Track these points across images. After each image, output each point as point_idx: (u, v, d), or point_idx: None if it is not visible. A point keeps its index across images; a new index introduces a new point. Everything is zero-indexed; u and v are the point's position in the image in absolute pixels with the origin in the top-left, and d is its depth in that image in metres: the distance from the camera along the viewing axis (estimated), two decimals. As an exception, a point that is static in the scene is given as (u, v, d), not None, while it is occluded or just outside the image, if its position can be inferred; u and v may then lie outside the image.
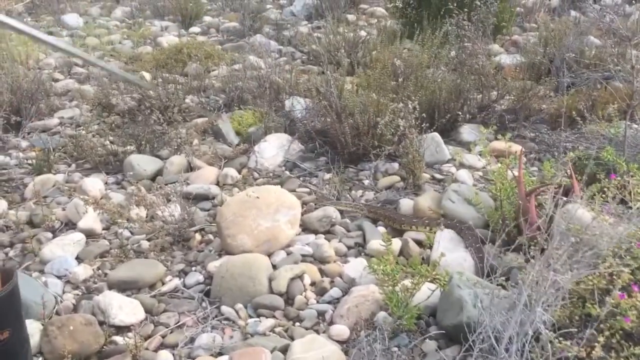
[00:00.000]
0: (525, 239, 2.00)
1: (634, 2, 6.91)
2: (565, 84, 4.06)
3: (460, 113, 3.25)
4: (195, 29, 6.71)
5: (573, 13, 6.44)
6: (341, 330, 1.95)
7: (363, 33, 5.41)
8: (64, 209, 2.85)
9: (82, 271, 2.33)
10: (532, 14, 6.33)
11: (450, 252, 2.18)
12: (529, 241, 1.99)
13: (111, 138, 3.63)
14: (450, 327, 1.82)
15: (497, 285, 1.74)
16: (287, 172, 3.20)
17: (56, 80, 4.81)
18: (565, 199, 2.17)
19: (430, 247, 2.34)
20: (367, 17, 7.11)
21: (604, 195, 1.96)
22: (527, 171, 2.53)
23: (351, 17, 6.89)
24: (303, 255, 2.38)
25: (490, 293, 1.72)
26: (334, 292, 2.17)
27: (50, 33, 6.32)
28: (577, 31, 4.61)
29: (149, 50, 5.68)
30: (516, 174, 2.33)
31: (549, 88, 3.83)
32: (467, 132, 3.42)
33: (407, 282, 1.89)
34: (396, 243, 2.36)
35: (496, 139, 3.20)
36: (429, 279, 1.85)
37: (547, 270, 1.61)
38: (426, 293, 1.91)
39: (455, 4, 4.38)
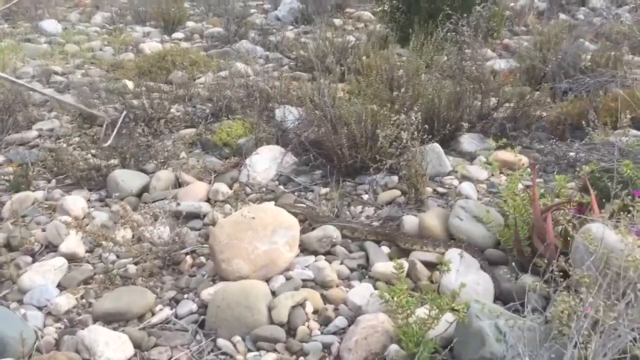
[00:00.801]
0: (542, 261, 1.88)
1: (621, 4, 6.88)
2: (562, 90, 3.96)
3: (462, 123, 3.10)
4: (178, 34, 6.53)
5: (562, 16, 6.38)
6: (350, 366, 1.79)
7: (352, 38, 5.27)
8: (43, 230, 2.67)
9: (65, 301, 2.15)
10: (522, 17, 6.25)
11: (462, 275, 2.05)
12: (546, 263, 1.86)
13: (93, 151, 3.45)
14: (471, 363, 1.68)
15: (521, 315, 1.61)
16: (282, 187, 3.04)
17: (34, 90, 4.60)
18: (582, 217, 2.04)
19: (438, 269, 2.20)
20: (354, 21, 7.00)
21: (628, 215, 1.83)
22: (540, 186, 2.39)
23: (338, 21, 6.77)
24: (304, 280, 2.22)
25: (514, 325, 1.58)
26: (339, 321, 2.01)
27: (28, 40, 6.11)
28: (571, 35, 4.52)
29: (131, 57, 5.49)
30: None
31: (547, 94, 3.72)
32: (468, 142, 3.29)
33: (422, 313, 1.74)
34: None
35: (498, 147, 3.07)
36: (447, 311, 1.71)
37: (579, 304, 1.47)
38: (443, 325, 1.76)
39: (449, 8, 4.28)
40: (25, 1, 7.27)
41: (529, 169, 2.66)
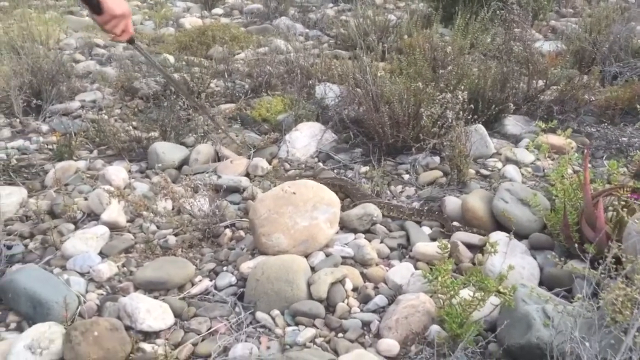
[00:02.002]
0: (592, 247, 1.82)
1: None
2: (612, 74, 3.83)
3: (509, 104, 3.02)
4: (218, 10, 6.51)
5: (612, -2, 6.15)
6: (390, 345, 1.77)
7: (393, 17, 5.17)
8: (86, 199, 2.70)
9: (107, 269, 2.17)
10: (569, -1, 6.06)
11: (507, 258, 1.99)
12: (596, 249, 1.80)
13: (134, 123, 3.47)
14: (516, 348, 1.63)
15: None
16: (321, 164, 3.02)
17: (77, 62, 4.65)
18: (637, 202, 1.97)
19: (482, 251, 2.16)
20: (395, 0, 6.87)
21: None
22: (592, 171, 2.31)
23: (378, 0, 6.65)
24: (343, 257, 2.20)
25: (563, 311, 1.53)
26: (379, 299, 1.99)
27: (71, 12, 6.17)
28: (623, 18, 4.36)
29: (172, 31, 5.50)
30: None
31: (596, 78, 3.60)
32: (512, 124, 3.21)
33: (466, 295, 1.70)
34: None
35: (543, 130, 2.98)
36: (492, 293, 1.66)
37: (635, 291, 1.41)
38: (487, 307, 1.72)
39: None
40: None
41: (577, 154, 2.58)
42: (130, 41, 2.17)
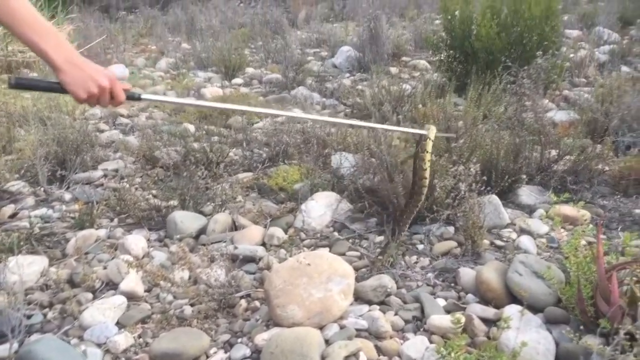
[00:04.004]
0: (607, 322, 1.81)
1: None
2: (625, 144, 3.87)
3: (521, 175, 3.06)
4: (238, 80, 6.74)
5: (624, 68, 6.27)
6: (405, 422, 1.75)
7: (408, 86, 5.31)
8: (105, 268, 2.75)
9: (123, 340, 2.19)
10: (582, 69, 6.17)
11: (522, 332, 1.99)
12: (610, 324, 1.79)
13: (154, 192, 3.56)
14: None
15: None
16: (336, 234, 3.05)
17: (101, 131, 4.82)
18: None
19: (497, 325, 2.15)
20: (410, 69, 7.06)
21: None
22: (604, 243, 2.32)
23: (394, 69, 6.84)
24: (357, 330, 2.20)
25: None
26: (393, 374, 1.98)
27: (97, 83, 6.40)
28: (635, 88, 4.43)
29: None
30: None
31: (609, 148, 3.64)
32: (526, 194, 3.24)
33: (480, 372, 1.70)
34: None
35: (558, 201, 3.00)
36: (507, 371, 1.66)
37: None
38: (501, 384, 1.71)
39: (508, 59, 4.28)
40: (96, 46, 7.66)
41: (591, 225, 2.59)
42: (131, 98, 1.84)
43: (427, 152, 2.35)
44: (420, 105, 4.77)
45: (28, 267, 2.67)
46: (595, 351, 1.55)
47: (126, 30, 9.37)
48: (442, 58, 5.77)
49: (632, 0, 8.67)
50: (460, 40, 5.46)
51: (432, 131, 2.34)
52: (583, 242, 2.30)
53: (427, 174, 2.43)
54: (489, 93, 3.92)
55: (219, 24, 9.79)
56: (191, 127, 4.68)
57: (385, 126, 2.64)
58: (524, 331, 2.02)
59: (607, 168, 3.47)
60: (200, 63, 7.38)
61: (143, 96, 1.86)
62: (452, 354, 1.69)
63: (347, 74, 6.89)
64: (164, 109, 5.45)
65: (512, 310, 2.15)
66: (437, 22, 8.51)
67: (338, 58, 7.34)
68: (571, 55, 6.45)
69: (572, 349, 2.00)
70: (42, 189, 3.70)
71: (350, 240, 2.98)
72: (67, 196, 3.62)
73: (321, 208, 3.19)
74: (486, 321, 2.22)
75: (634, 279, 1.91)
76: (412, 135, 2.38)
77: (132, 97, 1.82)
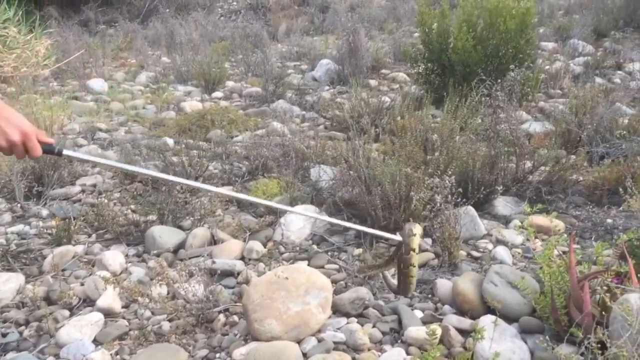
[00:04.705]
0: (579, 331, 1.84)
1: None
2: (599, 155, 3.94)
3: (497, 187, 3.10)
4: (218, 93, 6.74)
5: (598, 80, 6.38)
6: None
7: (387, 99, 5.36)
8: (82, 284, 2.73)
9: (100, 357, 2.18)
10: (557, 81, 6.27)
11: (497, 342, 2.01)
12: (584, 333, 1.83)
13: (133, 207, 3.55)
14: None
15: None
16: (315, 247, 3.06)
17: (80, 146, 4.79)
18: (619, 286, 2.01)
19: (472, 336, 2.17)
20: (389, 82, 7.12)
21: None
22: (577, 253, 2.36)
23: (373, 82, 6.90)
24: (335, 343, 2.21)
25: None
26: (371, 386, 1.99)
27: (75, 98, 6.39)
28: (608, 100, 4.52)
29: (172, 115, 5.68)
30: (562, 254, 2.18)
31: (583, 158, 3.71)
32: (502, 205, 3.28)
33: (455, 382, 1.71)
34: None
35: (533, 212, 3.05)
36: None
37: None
38: (476, 395, 1.73)
39: (483, 72, 4.34)
40: (75, 61, 7.62)
41: (565, 235, 2.64)
42: (49, 152, 1.63)
43: (413, 251, 2.11)
44: (398, 118, 4.82)
45: (4, 285, 2.65)
46: (565, 359, 1.57)
47: (105, 44, 9.32)
48: (420, 71, 5.83)
49: (605, 13, 8.84)
50: (437, 53, 5.52)
51: (417, 228, 2.14)
52: (556, 252, 2.34)
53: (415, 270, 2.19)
54: (466, 105, 3.97)
55: (199, 38, 9.78)
56: (170, 141, 4.67)
57: (365, 229, 2.35)
58: (499, 341, 2.05)
59: (581, 178, 3.54)
60: (180, 77, 7.37)
61: (64, 152, 1.66)
62: (428, 366, 1.71)
63: (327, 87, 6.93)
64: (143, 124, 5.44)
65: (487, 321, 2.17)
66: (416, 34, 8.60)
67: (318, 71, 7.38)
68: (547, 67, 6.55)
69: (546, 357, 2.04)
70: (18, 205, 3.67)
71: (329, 253, 2.99)
72: (44, 212, 3.59)
73: (300, 221, 3.20)
74: (463, 332, 2.24)
75: (604, 288, 1.94)
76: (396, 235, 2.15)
77: (50, 152, 1.62)
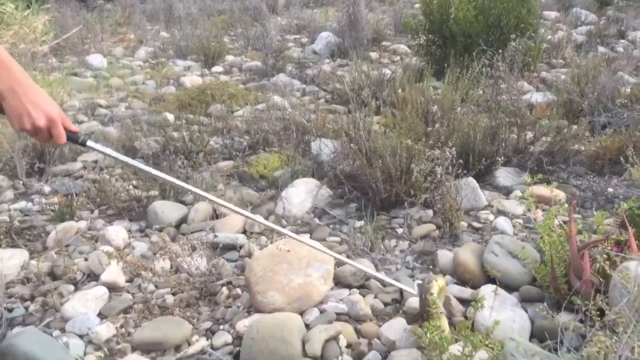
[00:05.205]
0: (579, 298, 1.86)
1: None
2: (601, 124, 3.92)
3: (498, 158, 3.10)
4: (217, 68, 6.70)
5: (601, 49, 6.33)
6: (383, 401, 1.79)
7: (387, 71, 5.33)
8: (86, 260, 2.75)
9: (105, 330, 2.20)
10: (559, 50, 6.22)
11: (497, 311, 2.03)
12: (583, 300, 1.84)
13: (134, 182, 3.56)
14: (505, 402, 1.66)
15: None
16: (317, 220, 3.07)
17: (80, 122, 4.78)
18: (619, 254, 2.02)
19: (473, 306, 2.19)
20: (390, 54, 7.07)
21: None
22: (577, 222, 2.36)
23: (374, 54, 6.84)
24: (337, 314, 2.23)
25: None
26: (373, 355, 2.02)
27: (75, 74, 6.36)
28: (610, 69, 4.49)
29: (172, 90, 5.66)
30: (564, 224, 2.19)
31: (585, 128, 3.70)
32: (504, 176, 3.28)
33: (456, 350, 1.73)
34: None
35: (534, 182, 3.05)
36: (480, 348, 1.70)
37: (615, 344, 1.45)
38: (476, 362, 1.75)
39: (484, 43, 4.30)
40: (73, 37, 7.57)
41: (566, 205, 2.64)
42: (73, 141, 1.61)
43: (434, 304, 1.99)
44: (399, 90, 4.79)
45: (8, 261, 2.67)
46: (564, 326, 1.59)
47: (104, 19, 9.24)
48: (421, 42, 5.78)
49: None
50: (438, 24, 5.47)
51: (440, 279, 2.14)
52: (557, 221, 2.34)
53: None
54: (467, 76, 3.94)
55: (198, 11, 9.70)
56: (171, 117, 4.66)
57: (378, 275, 2.33)
58: (500, 310, 2.07)
59: (582, 148, 3.53)
60: (179, 51, 7.31)
61: (88, 143, 1.63)
62: (429, 335, 1.72)
63: (327, 60, 6.88)
64: (143, 99, 5.42)
65: (487, 290, 2.19)
66: (417, 5, 8.51)
67: (318, 44, 7.32)
68: (549, 36, 6.49)
69: (546, 325, 2.05)
70: (21, 182, 3.68)
71: (331, 226, 3.00)
72: (47, 189, 3.60)
73: (301, 194, 3.21)
74: (464, 301, 2.27)
75: (604, 256, 1.95)
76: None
77: (74, 141, 1.60)
